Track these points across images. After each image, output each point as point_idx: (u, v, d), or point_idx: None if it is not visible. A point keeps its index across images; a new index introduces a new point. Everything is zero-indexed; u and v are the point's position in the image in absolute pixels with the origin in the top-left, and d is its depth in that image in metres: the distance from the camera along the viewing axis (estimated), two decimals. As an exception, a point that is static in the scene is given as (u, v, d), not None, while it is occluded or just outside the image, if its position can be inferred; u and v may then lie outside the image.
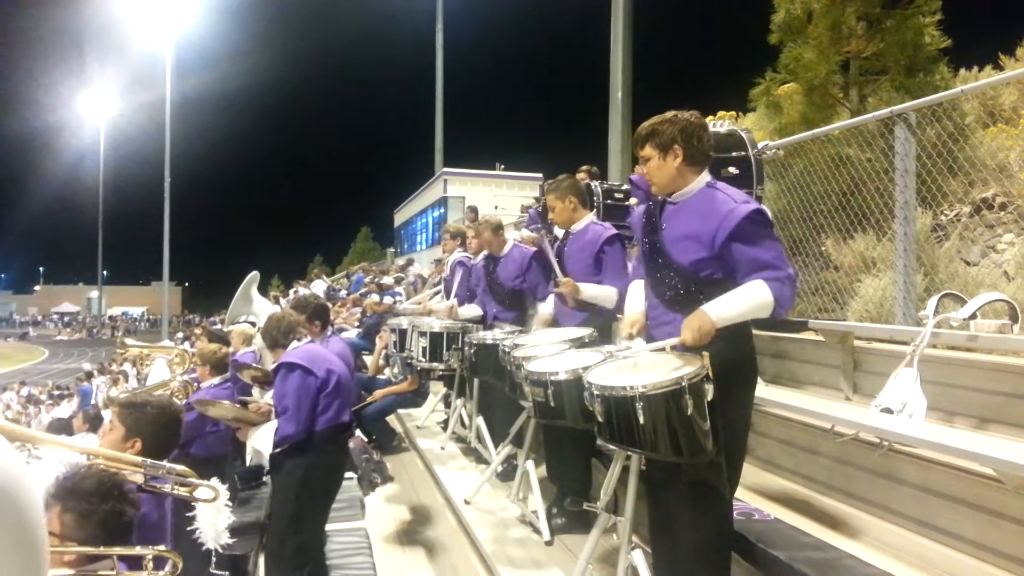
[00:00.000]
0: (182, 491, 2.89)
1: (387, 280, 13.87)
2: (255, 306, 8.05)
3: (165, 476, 2.84)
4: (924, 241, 5.61)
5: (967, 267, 5.84)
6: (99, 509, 2.38)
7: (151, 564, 2.48)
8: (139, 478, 2.76)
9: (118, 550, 2.41)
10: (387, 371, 8.59)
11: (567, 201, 4.42)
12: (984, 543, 2.97)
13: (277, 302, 14.39)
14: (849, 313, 5.81)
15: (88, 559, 2.39)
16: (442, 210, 30.11)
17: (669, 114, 2.93)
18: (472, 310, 6.04)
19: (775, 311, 2.67)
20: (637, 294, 3.24)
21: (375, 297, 11.21)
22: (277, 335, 4.14)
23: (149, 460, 2.80)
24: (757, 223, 2.72)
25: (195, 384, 5.60)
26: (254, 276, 8.17)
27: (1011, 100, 6.75)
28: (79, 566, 2.37)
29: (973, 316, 3.73)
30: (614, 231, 4.35)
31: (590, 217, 4.47)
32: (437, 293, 8.19)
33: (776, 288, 2.66)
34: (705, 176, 2.91)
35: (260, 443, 4.04)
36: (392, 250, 38.72)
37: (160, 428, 3.04)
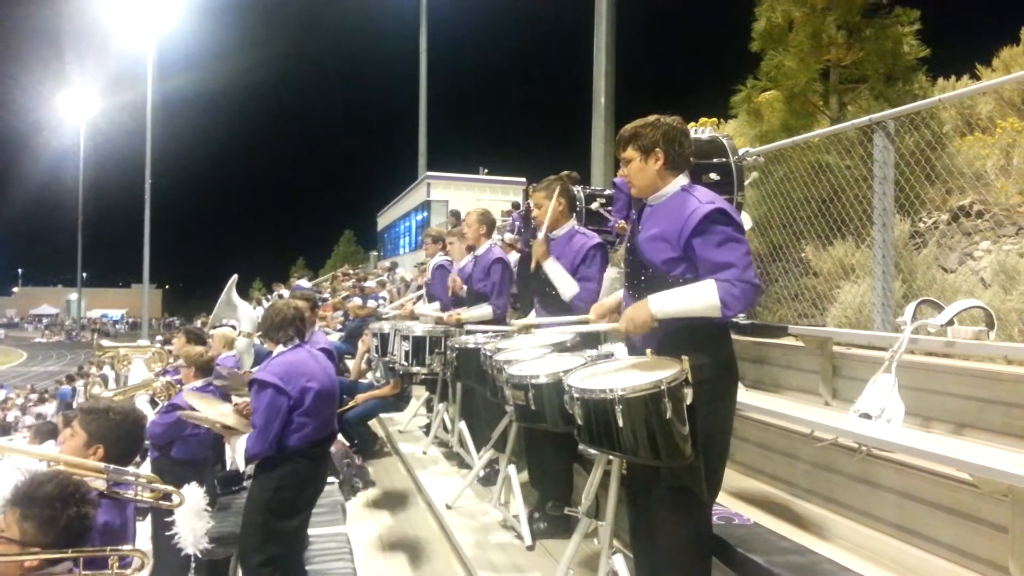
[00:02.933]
0: (147, 497, 2.87)
1: (370, 284, 13.82)
2: (240, 311, 7.98)
3: (129, 482, 2.82)
4: (902, 248, 5.68)
5: (944, 274, 5.91)
6: (63, 514, 2.35)
7: (116, 564, 2.46)
8: (101, 484, 2.74)
9: (87, 552, 2.39)
10: (369, 375, 8.55)
11: (557, 202, 4.40)
12: (961, 547, 3.00)
13: (260, 304, 14.30)
14: (828, 319, 5.87)
15: (49, 562, 2.37)
16: (425, 214, 30.05)
17: (652, 117, 2.96)
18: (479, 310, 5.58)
19: (723, 313, 2.65)
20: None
21: (357, 301, 11.17)
22: (269, 327, 4.02)
23: (112, 466, 2.77)
24: (717, 221, 2.72)
25: (178, 385, 5.56)
26: (233, 280, 8.11)
27: (987, 109, 6.85)
28: (38, 570, 2.35)
29: (950, 322, 3.78)
30: (598, 240, 4.35)
31: (573, 223, 4.48)
32: (420, 298, 8.17)
33: (724, 290, 2.64)
34: (682, 180, 2.93)
35: (240, 449, 3.98)
36: (375, 253, 38.65)
37: (123, 434, 2.97)
